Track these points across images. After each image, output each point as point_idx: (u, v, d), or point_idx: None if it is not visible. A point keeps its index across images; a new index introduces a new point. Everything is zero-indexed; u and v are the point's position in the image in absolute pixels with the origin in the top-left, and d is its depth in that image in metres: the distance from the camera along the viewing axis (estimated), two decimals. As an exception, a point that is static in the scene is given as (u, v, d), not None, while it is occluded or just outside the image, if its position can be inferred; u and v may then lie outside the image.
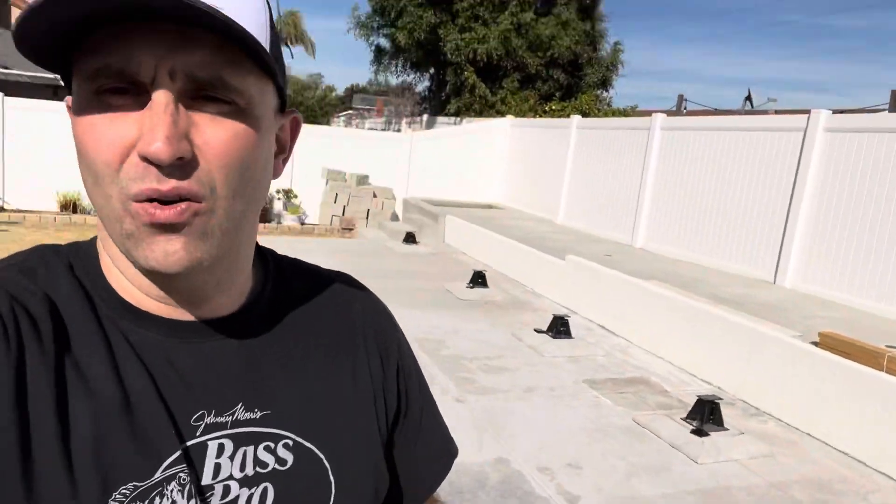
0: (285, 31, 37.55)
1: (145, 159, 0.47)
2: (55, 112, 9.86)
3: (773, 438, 4.04)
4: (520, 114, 14.21)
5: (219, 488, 0.55)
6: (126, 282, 0.55)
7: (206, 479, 0.54)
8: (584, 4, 16.31)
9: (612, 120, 10.65)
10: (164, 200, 0.48)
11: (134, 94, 0.48)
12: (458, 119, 15.20)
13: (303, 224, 11.19)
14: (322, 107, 20.26)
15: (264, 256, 0.67)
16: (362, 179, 11.51)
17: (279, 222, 11.07)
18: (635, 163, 8.93)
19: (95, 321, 0.53)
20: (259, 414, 0.58)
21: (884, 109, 12.23)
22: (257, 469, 0.57)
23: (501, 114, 14.18)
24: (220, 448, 0.55)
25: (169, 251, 0.49)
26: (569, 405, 4.30)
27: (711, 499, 3.26)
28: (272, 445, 0.58)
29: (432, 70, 17.97)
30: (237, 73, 0.49)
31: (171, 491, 0.52)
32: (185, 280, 0.54)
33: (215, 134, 0.49)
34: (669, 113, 11.38)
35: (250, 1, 0.51)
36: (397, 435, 0.71)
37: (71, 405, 0.49)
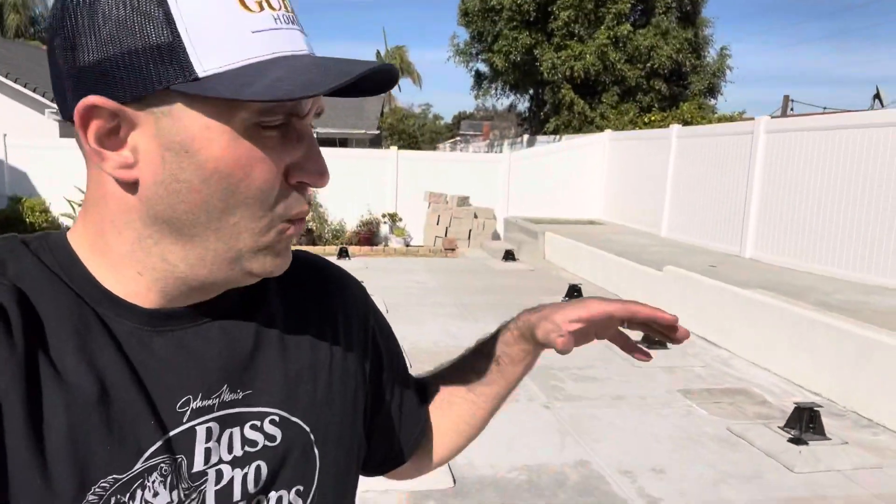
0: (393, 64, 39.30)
1: (302, 184, 0.54)
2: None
3: (885, 451, 3.79)
4: (619, 127, 14.03)
5: (212, 473, 0.55)
6: (103, 271, 0.54)
7: (198, 465, 0.54)
8: (686, 12, 15.89)
9: (713, 126, 10.28)
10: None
11: (282, 128, 0.52)
12: (558, 137, 15.24)
13: (408, 245, 11.69)
14: (423, 133, 20.91)
15: None
16: (463, 201, 11.86)
17: (386, 244, 11.65)
18: (740, 168, 8.58)
19: (69, 310, 0.52)
20: (242, 394, 0.58)
21: None
22: (246, 448, 0.57)
23: (601, 129, 14.06)
24: (209, 432, 0.55)
25: (288, 261, 0.57)
26: (659, 413, 4.27)
27: (805, 507, 3.15)
28: (258, 423, 0.59)
29: (531, 91, 18.16)
30: None
31: (153, 482, 0.51)
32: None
33: None
34: (774, 116, 10.81)
35: None
36: (386, 388, 0.76)
37: (45, 399, 0.49)
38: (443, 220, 11.69)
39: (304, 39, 0.52)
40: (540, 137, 16.45)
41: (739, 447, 3.77)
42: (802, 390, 4.73)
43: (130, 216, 0.52)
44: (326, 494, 0.63)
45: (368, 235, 11.67)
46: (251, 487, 0.57)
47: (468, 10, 16.61)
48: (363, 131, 18.29)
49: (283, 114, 0.50)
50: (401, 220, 11.94)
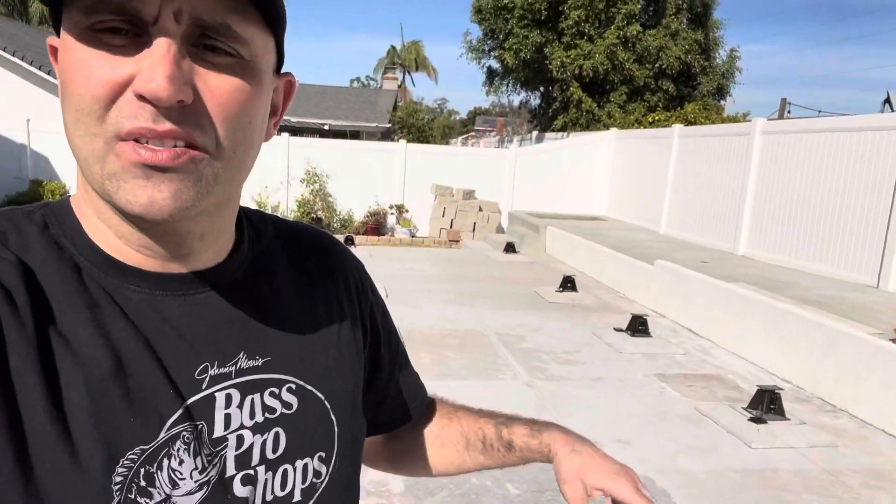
0: (408, 59, 39.68)
1: (142, 98, 0.45)
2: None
3: (842, 432, 4.04)
4: (624, 126, 14.24)
5: (232, 438, 0.55)
6: (110, 235, 0.53)
7: (219, 431, 0.55)
8: (696, 13, 16.04)
9: (713, 127, 10.48)
10: (157, 143, 0.46)
11: (132, 36, 0.46)
12: (565, 134, 15.48)
13: (413, 236, 12.01)
14: (432, 128, 21.19)
15: (241, 213, 0.65)
16: (468, 194, 12.15)
17: (392, 235, 11.97)
18: (736, 168, 8.80)
19: (77, 283, 0.51)
20: (261, 361, 0.58)
21: None
22: (266, 415, 0.58)
23: (607, 127, 14.29)
24: (228, 398, 0.55)
25: (156, 198, 0.47)
26: (634, 394, 4.54)
27: (755, 477, 3.42)
28: (276, 391, 0.59)
29: (541, 88, 18.39)
30: (243, 22, 0.48)
31: (178, 450, 0.52)
32: (167, 227, 0.52)
33: (219, 84, 0.48)
34: (771, 118, 10.97)
35: None
36: (384, 361, 0.78)
37: (62, 375, 0.48)
38: (448, 212, 12.00)
39: None
40: (548, 134, 16.70)
41: (703, 424, 4.05)
42: (774, 377, 4.98)
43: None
44: (345, 458, 0.65)
45: (375, 225, 12.00)
46: (269, 453, 0.58)
47: (481, 8, 16.87)
48: (375, 125, 18.61)
49: (112, 14, 0.45)
50: (407, 211, 12.26)
